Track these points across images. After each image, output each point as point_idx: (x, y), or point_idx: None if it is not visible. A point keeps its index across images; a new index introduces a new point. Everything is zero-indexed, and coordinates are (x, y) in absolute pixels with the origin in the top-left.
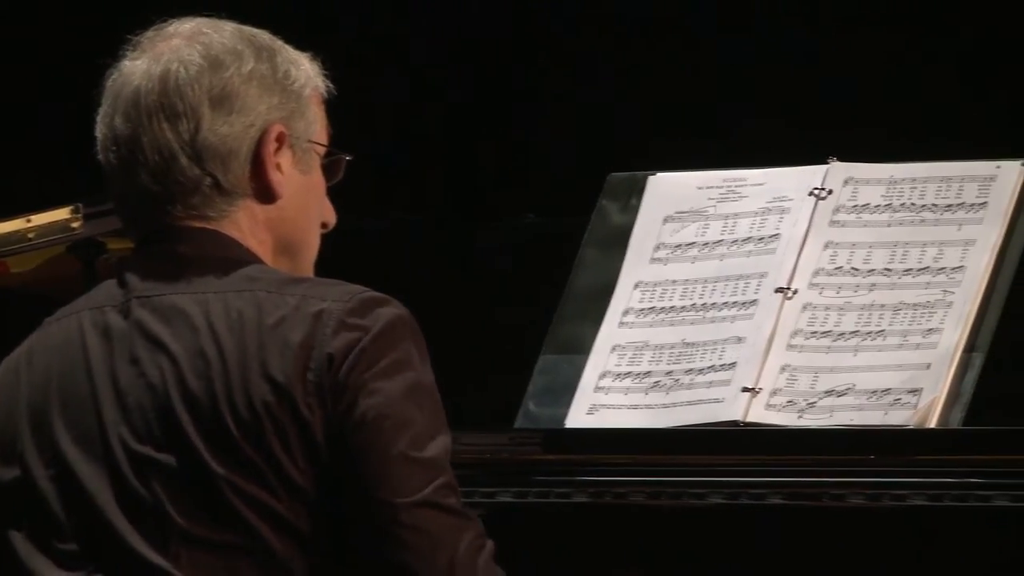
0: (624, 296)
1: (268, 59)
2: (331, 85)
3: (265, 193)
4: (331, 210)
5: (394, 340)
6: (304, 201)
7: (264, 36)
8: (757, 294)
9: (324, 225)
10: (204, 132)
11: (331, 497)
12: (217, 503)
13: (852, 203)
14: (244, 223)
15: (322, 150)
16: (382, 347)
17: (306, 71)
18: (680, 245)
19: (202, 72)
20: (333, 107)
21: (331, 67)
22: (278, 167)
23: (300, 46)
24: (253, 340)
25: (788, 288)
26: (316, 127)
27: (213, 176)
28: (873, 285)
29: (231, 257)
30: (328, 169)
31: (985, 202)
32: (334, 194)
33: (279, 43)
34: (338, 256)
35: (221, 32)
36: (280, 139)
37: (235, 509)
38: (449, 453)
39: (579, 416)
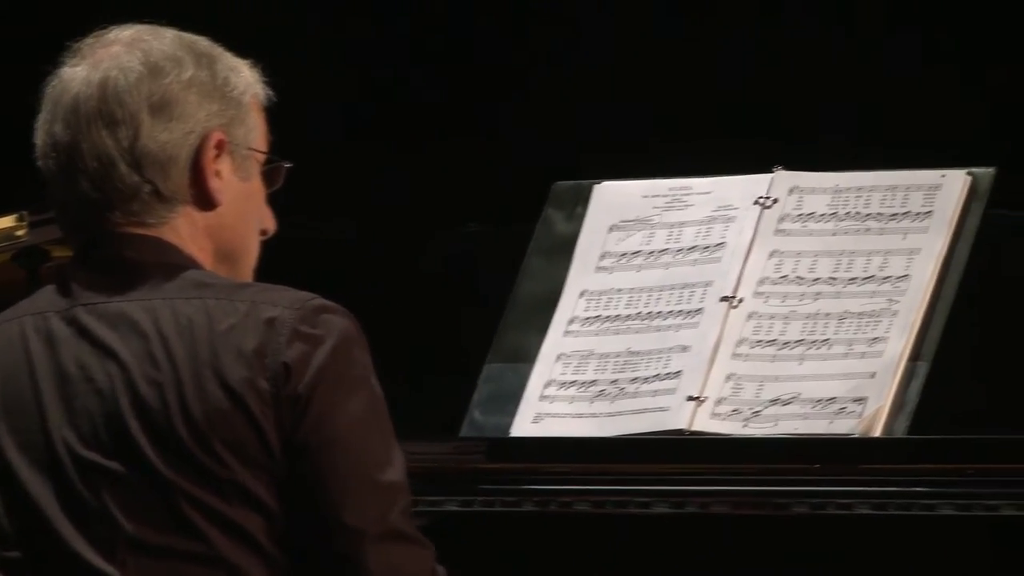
0: (569, 305)
1: (208, 66)
2: (271, 92)
3: (204, 200)
4: (271, 217)
5: (351, 354)
6: (243, 208)
7: (204, 43)
8: (702, 303)
9: (263, 232)
10: (143, 139)
11: (288, 509)
12: (167, 509)
13: (797, 212)
14: (184, 230)
15: (262, 157)
16: (341, 363)
17: (246, 78)
18: (625, 254)
19: (141, 79)
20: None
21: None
22: (217, 174)
23: (247, 45)
24: (205, 347)
25: (733, 297)
26: (256, 134)
27: (152, 183)
28: (818, 294)
29: (174, 263)
30: (268, 176)
31: (930, 211)
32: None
33: (219, 49)
34: (286, 262)
35: (161, 39)
36: (220, 146)
37: (185, 515)
38: (405, 466)
39: (524, 425)
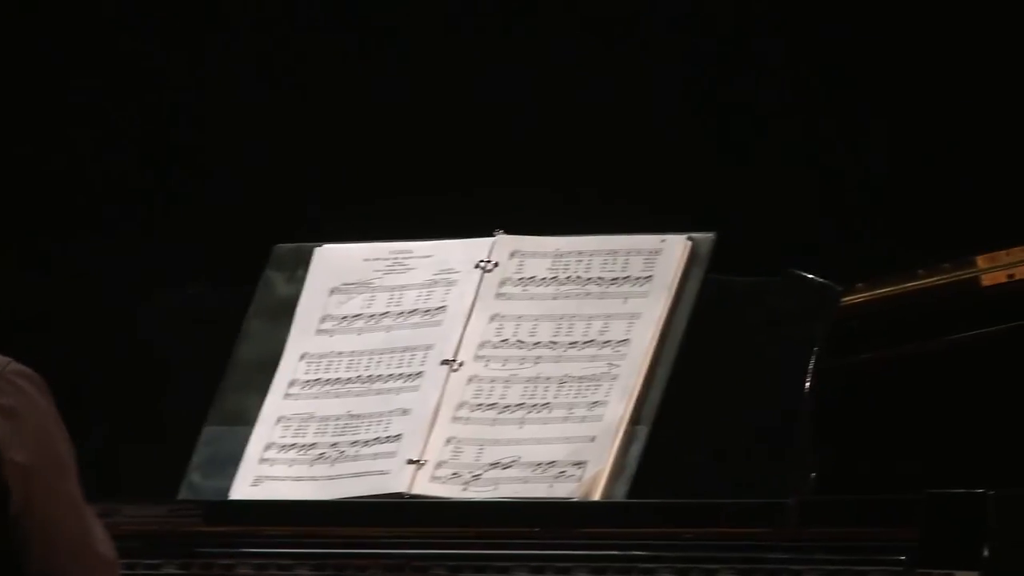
0: (290, 367)
1: None
2: None
3: None
4: None
5: (45, 418)
6: None
7: None
8: (423, 366)
9: None
10: None
11: None
12: None
13: (518, 276)
14: None
15: None
16: (43, 439)
17: None
18: (346, 317)
19: None
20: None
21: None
22: None
23: None
24: None
25: (454, 360)
26: None
27: None
28: (539, 358)
29: None
30: None
31: (650, 276)
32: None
33: None
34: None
35: None
36: None
37: None
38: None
39: (243, 488)
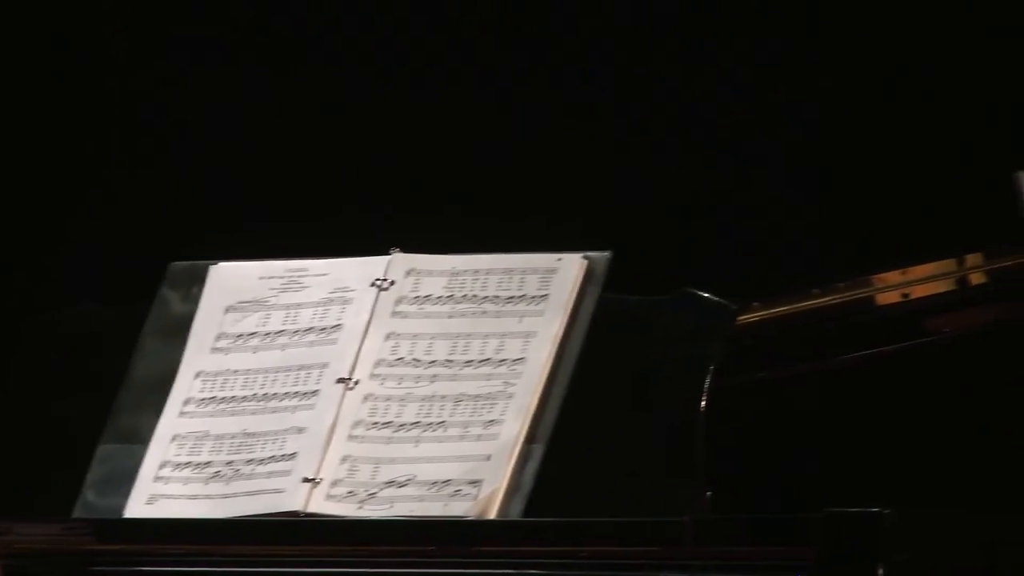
0: (185, 386)
1: None
2: None
3: None
4: None
5: None
6: None
7: None
8: (319, 384)
9: None
10: None
11: None
12: None
13: (414, 294)
14: None
15: None
16: None
17: None
18: (242, 335)
19: None
20: None
21: None
22: None
23: None
24: None
25: (349, 379)
26: None
27: None
28: (435, 376)
29: None
30: None
31: (546, 295)
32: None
33: None
34: None
35: None
36: None
37: None
38: None
39: (138, 506)
